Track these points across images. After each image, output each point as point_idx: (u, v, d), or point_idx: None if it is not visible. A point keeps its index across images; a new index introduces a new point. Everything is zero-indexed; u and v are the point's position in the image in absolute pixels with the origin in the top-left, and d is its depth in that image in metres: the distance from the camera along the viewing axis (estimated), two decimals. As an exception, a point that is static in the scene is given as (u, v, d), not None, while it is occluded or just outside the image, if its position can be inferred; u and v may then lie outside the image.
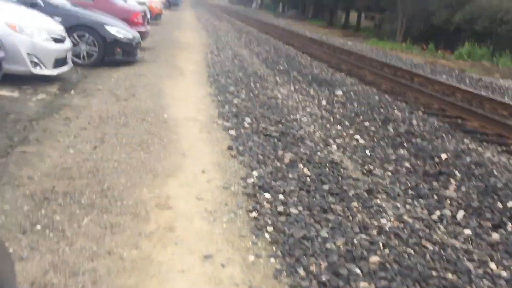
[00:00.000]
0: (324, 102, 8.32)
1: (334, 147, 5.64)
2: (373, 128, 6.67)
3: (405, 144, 5.94)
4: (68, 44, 7.22)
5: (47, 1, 8.55)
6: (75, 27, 8.62)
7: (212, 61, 11.41)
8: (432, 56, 23.55)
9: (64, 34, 7.22)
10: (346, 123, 6.98)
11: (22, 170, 3.70)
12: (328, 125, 6.73)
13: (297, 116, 7.00)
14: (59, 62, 6.91)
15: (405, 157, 5.48)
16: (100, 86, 7.23)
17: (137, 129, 5.15)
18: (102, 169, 3.91)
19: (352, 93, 9.03)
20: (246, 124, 5.93)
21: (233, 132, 5.48)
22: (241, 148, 4.96)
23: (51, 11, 8.37)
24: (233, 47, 15.52)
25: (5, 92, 6.02)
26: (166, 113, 5.95)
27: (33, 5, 8.26)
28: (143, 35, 11.12)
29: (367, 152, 5.61)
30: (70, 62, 7.33)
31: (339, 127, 6.72)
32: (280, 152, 5.00)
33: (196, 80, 8.62)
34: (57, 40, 6.89)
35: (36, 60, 6.44)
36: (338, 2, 48.90)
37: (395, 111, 7.66)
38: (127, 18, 10.93)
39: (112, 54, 9.11)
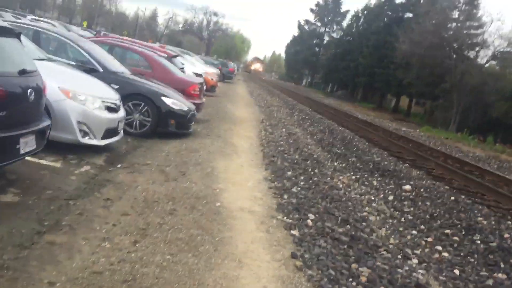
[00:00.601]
0: (391, 197, 7.42)
1: (415, 261, 4.68)
2: (456, 238, 5.67)
3: (501, 265, 4.89)
4: (121, 113, 6.79)
5: (107, 68, 8.33)
6: (131, 96, 8.29)
7: (266, 139, 10.83)
8: (492, 150, 22.24)
9: (119, 103, 6.81)
10: (422, 227, 6.02)
11: (44, 271, 2.99)
12: (401, 229, 5.79)
13: (364, 213, 6.13)
14: (110, 132, 6.45)
15: (505, 284, 4.43)
16: (149, 161, 6.66)
17: (185, 220, 4.41)
18: (140, 277, 3.14)
19: (421, 189, 8.08)
20: (309, 222, 5.10)
21: (295, 233, 4.65)
22: (307, 256, 4.10)
23: (109, 78, 8.11)
24: (286, 124, 15.02)
25: (48, 161, 5.52)
26: (219, 201, 5.22)
27: (92, 71, 8.04)
28: (198, 107, 10.75)
29: (456, 271, 4.61)
30: (121, 132, 6.87)
31: (414, 232, 5.77)
32: (353, 266, 4.10)
33: (251, 161, 7.96)
34: (111, 109, 6.46)
35: (85, 129, 5.99)
36: (390, 87, 48.75)
37: (478, 217, 6.62)
38: (184, 89, 10.63)
39: (165, 126, 8.67)
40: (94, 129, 6.08)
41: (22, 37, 5.40)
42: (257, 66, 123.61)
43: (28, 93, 4.11)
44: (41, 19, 38.62)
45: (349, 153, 11.16)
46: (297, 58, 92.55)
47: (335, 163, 9.70)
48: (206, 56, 56.29)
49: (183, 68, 14.23)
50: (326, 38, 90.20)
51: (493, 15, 32.21)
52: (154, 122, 8.45)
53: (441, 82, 36.71)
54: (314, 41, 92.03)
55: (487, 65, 34.50)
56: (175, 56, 14.05)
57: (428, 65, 35.87)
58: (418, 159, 11.61)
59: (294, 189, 6.42)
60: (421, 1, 48.09)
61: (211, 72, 21.49)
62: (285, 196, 5.97)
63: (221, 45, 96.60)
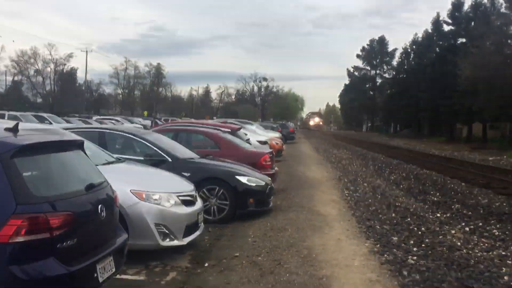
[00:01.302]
0: (526, 249, 6.16)
1: None
2: None
3: None
4: (199, 204, 6.20)
5: (175, 156, 7.93)
6: (205, 181, 7.78)
7: (352, 199, 9.87)
8: None
9: (195, 193, 6.25)
10: None
11: None
12: None
13: (505, 276, 4.97)
14: (191, 227, 5.85)
15: None
16: (237, 252, 5.94)
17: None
18: None
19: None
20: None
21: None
22: None
23: (179, 166, 7.69)
24: (365, 177, 13.98)
25: (129, 274, 4.94)
26: (331, 295, 4.34)
27: (161, 162, 7.66)
28: (273, 177, 10.05)
29: None
30: (202, 224, 6.24)
31: None
32: None
33: (346, 230, 7.03)
34: (188, 202, 5.90)
35: (165, 230, 5.41)
36: (458, 116, 46.30)
37: None
38: (255, 162, 10.03)
39: (244, 206, 8.01)
40: (174, 228, 5.50)
41: (87, 143, 5.04)
42: (316, 120, 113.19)
43: (99, 210, 3.58)
44: (106, 117, 40.90)
45: (448, 199, 9.93)
46: (353, 105, 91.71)
47: (438, 214, 8.54)
48: (263, 121, 56.75)
49: (248, 139, 13.83)
50: (379, 80, 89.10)
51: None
52: (232, 205, 7.82)
53: (515, 101, 34.24)
54: (367, 85, 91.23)
55: None
56: (239, 129, 13.69)
57: (497, 86, 33.70)
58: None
59: (410, 260, 5.41)
60: (473, 24, 46.50)
61: (274, 137, 21.05)
62: (405, 273, 4.97)
63: (276, 107, 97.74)
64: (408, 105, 61.26)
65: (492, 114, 36.95)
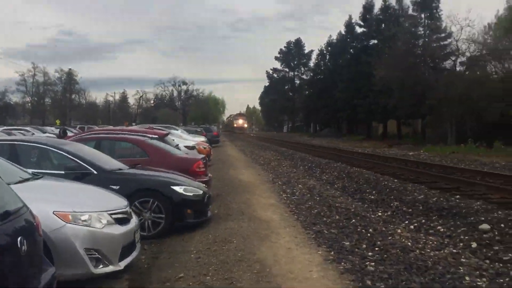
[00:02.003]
0: (474, 245, 6.14)
1: None
2: None
3: None
4: (134, 221, 5.46)
5: (101, 168, 7.09)
6: (136, 193, 7.02)
7: (292, 202, 9.55)
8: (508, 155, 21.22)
9: (129, 209, 5.51)
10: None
11: None
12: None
13: (466, 278, 4.81)
14: (127, 248, 5.11)
15: None
16: (181, 272, 5.30)
17: None
18: None
19: (501, 224, 6.82)
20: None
21: None
22: None
23: (106, 179, 6.87)
24: (298, 179, 13.79)
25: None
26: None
27: (85, 175, 6.80)
28: (207, 184, 9.43)
29: None
30: (138, 244, 5.52)
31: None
32: None
33: (294, 238, 6.62)
34: (122, 221, 5.15)
35: (97, 255, 4.65)
36: (374, 114, 48.27)
37: None
38: (188, 169, 9.36)
39: (182, 218, 7.35)
40: (108, 252, 4.75)
41: (-3, 159, 4.18)
42: (239, 123, 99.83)
43: (19, 244, 2.82)
44: (14, 128, 37.49)
45: (385, 196, 9.92)
46: (274, 106, 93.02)
47: (379, 213, 8.43)
48: (184, 125, 55.59)
49: (177, 145, 13.09)
50: (297, 81, 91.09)
51: (461, 23, 31.97)
52: (168, 217, 7.14)
53: (425, 99, 36.31)
54: (286, 87, 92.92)
55: (467, 72, 34.24)
56: (167, 135, 12.90)
57: (409, 85, 35.53)
58: (461, 185, 10.46)
59: (369, 267, 5.10)
60: (383, 26, 48.80)
61: (201, 141, 20.37)
62: (368, 282, 4.64)
63: (197, 112, 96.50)
64: (326, 105, 63.03)
65: (405, 112, 38.87)
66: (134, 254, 5.31)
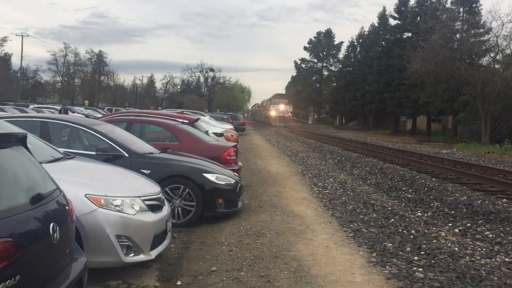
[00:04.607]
0: (528, 253, 5.65)
1: None
2: None
3: None
4: (167, 209, 5.18)
5: (132, 151, 6.82)
6: (167, 179, 6.75)
7: (325, 197, 9.15)
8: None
9: (162, 196, 5.23)
10: None
11: None
12: None
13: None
14: (158, 237, 4.83)
15: None
16: (213, 265, 5.01)
17: None
18: None
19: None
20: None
21: None
22: None
23: (137, 163, 6.62)
24: (328, 172, 13.37)
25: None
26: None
27: (116, 158, 6.55)
28: (237, 173, 9.11)
29: None
30: (169, 233, 5.24)
31: None
32: None
33: (332, 235, 6.25)
34: (155, 208, 4.87)
35: (129, 243, 4.38)
36: (403, 109, 47.20)
37: None
38: (219, 156, 9.06)
39: (213, 207, 7.07)
40: (140, 240, 4.47)
41: (29, 136, 3.91)
42: (280, 108, 59.86)
43: (51, 231, 2.54)
44: (44, 106, 37.94)
45: (424, 196, 9.44)
46: (300, 97, 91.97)
47: (419, 213, 7.98)
48: (210, 112, 55.43)
49: (207, 131, 12.80)
50: (325, 73, 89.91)
51: (503, 19, 30.77)
52: (199, 206, 6.86)
53: (459, 95, 35.21)
54: (314, 78, 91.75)
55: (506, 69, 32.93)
56: (197, 120, 12.60)
57: (443, 80, 34.49)
58: (506, 188, 9.86)
59: (418, 274, 4.70)
60: (418, 19, 47.45)
61: (229, 129, 20.05)
62: (419, 290, 4.25)
63: (222, 99, 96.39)
64: (354, 98, 62.05)
65: (437, 107, 37.82)
66: (165, 243, 5.04)
